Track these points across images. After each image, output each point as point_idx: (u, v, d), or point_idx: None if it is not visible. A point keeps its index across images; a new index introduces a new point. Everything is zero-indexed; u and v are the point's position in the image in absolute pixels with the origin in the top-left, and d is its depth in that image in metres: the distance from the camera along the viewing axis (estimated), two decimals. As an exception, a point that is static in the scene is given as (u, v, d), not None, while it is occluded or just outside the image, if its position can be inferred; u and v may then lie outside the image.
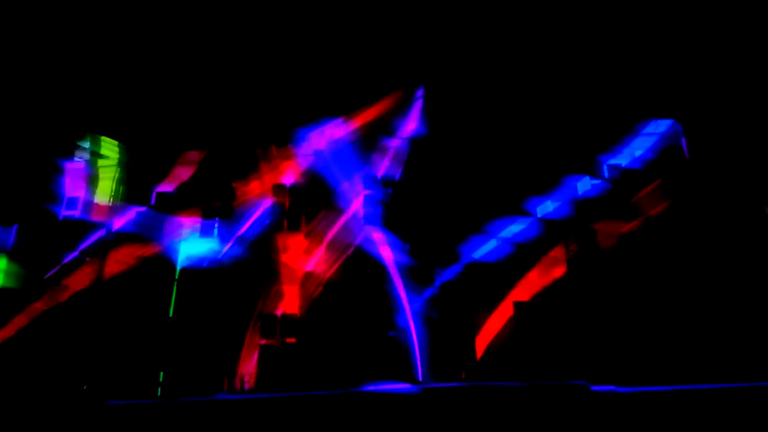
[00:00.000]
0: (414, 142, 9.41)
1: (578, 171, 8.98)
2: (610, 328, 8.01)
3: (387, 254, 8.76)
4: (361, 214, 9.10)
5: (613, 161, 9.07)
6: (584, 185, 8.99)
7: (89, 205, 9.12)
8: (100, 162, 9.35)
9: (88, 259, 8.49)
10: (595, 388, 5.97)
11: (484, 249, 8.74)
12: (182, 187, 9.39)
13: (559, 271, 8.60)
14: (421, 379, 7.84)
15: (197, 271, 8.82)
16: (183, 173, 9.41)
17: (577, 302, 8.31)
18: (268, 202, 9.34)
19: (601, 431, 5.31)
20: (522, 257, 8.66)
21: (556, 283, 8.53)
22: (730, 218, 8.38)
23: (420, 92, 9.49)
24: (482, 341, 8.27)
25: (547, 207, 8.96)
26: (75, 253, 8.63)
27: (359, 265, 8.74)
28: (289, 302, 8.61)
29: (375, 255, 8.77)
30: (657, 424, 5.44)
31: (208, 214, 9.26)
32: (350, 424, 5.63)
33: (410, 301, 8.44)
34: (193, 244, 9.00)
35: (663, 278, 8.19)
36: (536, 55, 9.34)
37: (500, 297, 8.49)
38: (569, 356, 7.82)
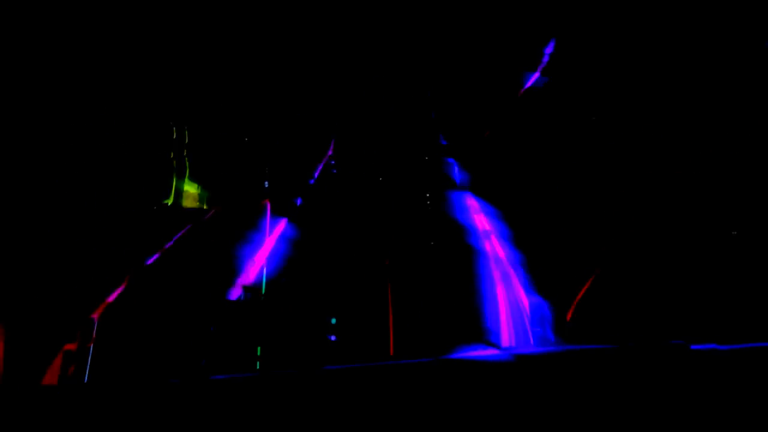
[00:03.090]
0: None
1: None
2: (708, 280, 7.62)
3: (475, 220, 8.73)
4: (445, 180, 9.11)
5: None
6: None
7: (180, 192, 9.59)
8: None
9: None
10: (695, 347, 5.75)
11: (564, 206, 8.49)
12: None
13: (647, 224, 8.24)
14: (505, 345, 7.81)
15: (286, 246, 9.14)
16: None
17: (669, 254, 7.96)
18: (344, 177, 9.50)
19: (703, 393, 5.12)
20: (608, 209, 8.36)
21: (645, 235, 8.20)
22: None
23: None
24: (570, 301, 8.11)
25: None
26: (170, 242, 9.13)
27: (446, 231, 8.76)
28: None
29: (461, 220, 8.76)
30: (765, 383, 5.18)
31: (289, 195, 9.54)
32: (443, 393, 5.70)
33: (497, 267, 8.40)
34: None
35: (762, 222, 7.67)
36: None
37: (587, 254, 8.28)
38: (664, 313, 7.54)
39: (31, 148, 8.83)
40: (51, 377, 7.99)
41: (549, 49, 9.15)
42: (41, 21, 8.79)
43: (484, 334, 7.80)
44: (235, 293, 8.72)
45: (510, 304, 8.15)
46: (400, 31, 9.52)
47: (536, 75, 9.16)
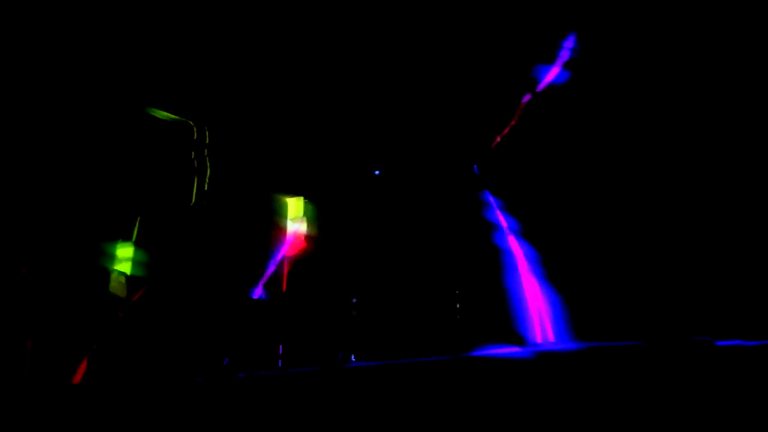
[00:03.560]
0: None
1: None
2: (733, 273, 7.52)
3: (494, 216, 8.72)
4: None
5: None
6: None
7: (202, 192, 9.71)
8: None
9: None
10: (720, 343, 5.69)
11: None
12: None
13: (670, 219, 8.16)
14: (527, 342, 7.78)
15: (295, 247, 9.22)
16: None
17: (694, 250, 7.87)
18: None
19: (728, 391, 5.07)
20: (631, 204, 8.29)
21: (669, 230, 8.11)
22: None
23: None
24: (592, 297, 8.07)
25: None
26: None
27: (466, 228, 8.76)
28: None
29: (481, 217, 8.75)
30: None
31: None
32: (465, 391, 5.71)
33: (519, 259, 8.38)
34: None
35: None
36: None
37: (609, 250, 8.22)
38: (688, 308, 7.46)
39: (61, 154, 9.01)
40: (78, 376, 8.14)
41: (569, 43, 9.07)
42: (55, 28, 8.93)
43: (505, 332, 7.79)
44: (257, 292, 8.80)
45: (531, 301, 8.12)
46: (414, 29, 9.50)
47: (555, 70, 9.09)
